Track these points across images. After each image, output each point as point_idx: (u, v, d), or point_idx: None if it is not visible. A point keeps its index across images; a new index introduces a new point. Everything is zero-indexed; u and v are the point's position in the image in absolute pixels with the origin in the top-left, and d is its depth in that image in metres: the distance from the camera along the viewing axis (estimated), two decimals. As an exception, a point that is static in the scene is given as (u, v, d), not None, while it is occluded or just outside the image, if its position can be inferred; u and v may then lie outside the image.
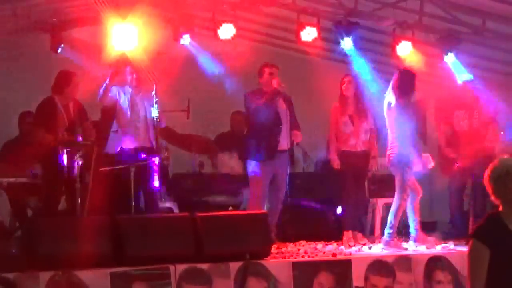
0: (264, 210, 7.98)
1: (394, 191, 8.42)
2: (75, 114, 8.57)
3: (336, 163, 8.86)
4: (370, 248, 8.33)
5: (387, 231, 8.31)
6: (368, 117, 9.01)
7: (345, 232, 8.82)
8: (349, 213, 8.91)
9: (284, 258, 7.43)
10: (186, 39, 9.87)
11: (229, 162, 10.05)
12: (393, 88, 8.36)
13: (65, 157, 8.18)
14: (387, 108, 8.38)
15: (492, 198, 4.36)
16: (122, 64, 8.52)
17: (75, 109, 8.62)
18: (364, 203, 9.28)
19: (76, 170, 8.04)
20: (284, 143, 8.61)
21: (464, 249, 7.97)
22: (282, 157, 8.61)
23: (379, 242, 8.63)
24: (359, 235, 8.89)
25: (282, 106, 8.64)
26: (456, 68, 9.95)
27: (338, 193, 9.03)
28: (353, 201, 8.87)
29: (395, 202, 8.35)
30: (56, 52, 9.91)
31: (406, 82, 8.36)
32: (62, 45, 9.81)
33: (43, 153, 8.41)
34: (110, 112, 8.58)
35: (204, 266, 6.71)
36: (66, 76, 8.59)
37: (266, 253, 7.15)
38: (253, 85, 8.96)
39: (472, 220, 9.00)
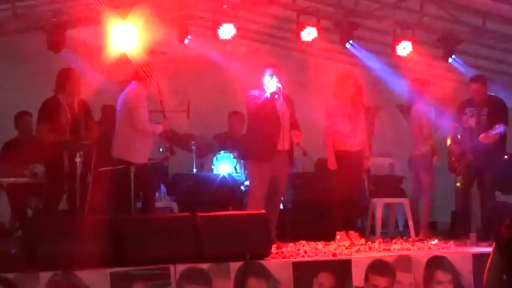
0: (264, 210, 7.96)
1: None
2: (80, 113, 8.53)
3: (333, 164, 8.85)
4: (369, 248, 8.32)
5: None
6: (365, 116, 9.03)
7: (337, 232, 8.78)
8: (341, 213, 8.86)
9: (284, 258, 7.42)
10: (186, 39, 9.89)
11: (229, 162, 10.05)
12: None
13: (66, 157, 8.19)
14: None
15: None
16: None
17: (81, 108, 8.57)
18: (359, 202, 9.18)
19: (76, 170, 8.04)
20: (284, 144, 8.55)
21: (464, 249, 8.05)
22: (281, 157, 8.55)
23: (379, 242, 8.62)
24: (356, 234, 8.84)
25: (282, 106, 8.58)
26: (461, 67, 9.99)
27: (332, 192, 8.96)
28: (346, 201, 8.83)
29: None
30: (56, 52, 9.91)
31: None
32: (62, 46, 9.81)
33: (46, 152, 8.39)
34: (110, 114, 8.57)
35: (204, 266, 6.70)
36: (65, 72, 8.55)
37: (266, 253, 7.13)
38: (253, 85, 8.95)
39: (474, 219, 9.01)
